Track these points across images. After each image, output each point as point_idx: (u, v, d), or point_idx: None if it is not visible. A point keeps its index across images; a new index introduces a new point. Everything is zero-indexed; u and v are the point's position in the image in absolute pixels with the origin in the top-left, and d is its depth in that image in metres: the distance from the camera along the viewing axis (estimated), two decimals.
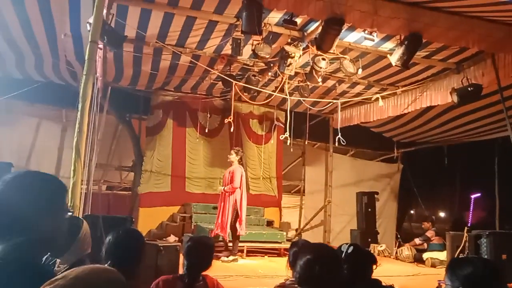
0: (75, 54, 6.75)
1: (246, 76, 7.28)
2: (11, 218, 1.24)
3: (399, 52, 5.66)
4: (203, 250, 2.59)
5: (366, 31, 5.57)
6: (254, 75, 7.17)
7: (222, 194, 6.91)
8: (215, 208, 8.36)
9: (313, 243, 2.28)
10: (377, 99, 7.72)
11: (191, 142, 9.01)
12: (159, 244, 4.70)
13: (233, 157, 6.95)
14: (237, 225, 6.77)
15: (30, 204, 1.27)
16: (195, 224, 8.02)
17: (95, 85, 5.55)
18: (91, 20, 4.28)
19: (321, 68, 6.29)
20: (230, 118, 6.60)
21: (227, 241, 6.80)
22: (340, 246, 2.48)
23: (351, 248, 2.42)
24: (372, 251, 8.03)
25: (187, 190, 8.81)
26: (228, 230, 6.74)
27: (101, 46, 5.38)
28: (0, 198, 1.26)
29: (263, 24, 5.46)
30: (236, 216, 6.79)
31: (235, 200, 6.81)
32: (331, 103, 8.18)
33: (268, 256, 7.53)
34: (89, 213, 5.16)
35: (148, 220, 8.30)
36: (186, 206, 8.65)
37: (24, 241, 1.23)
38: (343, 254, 2.38)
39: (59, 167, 8.56)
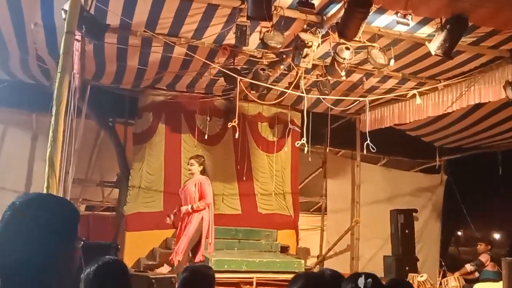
0: (47, 48, 6.83)
1: (253, 70, 7.30)
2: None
3: (439, 38, 5.65)
4: (202, 283, 2.61)
5: (398, 14, 5.56)
6: (263, 69, 7.19)
7: (185, 214, 6.79)
8: (219, 231, 8.38)
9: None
10: (413, 96, 7.69)
11: (188, 151, 9.03)
12: (151, 276, 4.72)
13: (195, 168, 6.89)
14: (199, 250, 6.67)
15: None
16: None
17: (72, 84, 5.62)
18: (66, 6, 4.35)
19: (344, 59, 6.29)
20: (235, 122, 6.63)
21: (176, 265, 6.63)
22: (354, 278, 2.37)
23: (370, 281, 2.30)
24: (411, 283, 7.96)
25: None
26: (184, 255, 6.60)
27: (78, 37, 5.45)
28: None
29: (273, 8, 5.49)
30: (199, 241, 6.68)
31: (202, 219, 6.69)
32: (358, 102, 8.17)
33: None
34: None
35: (136, 247, 8.32)
36: None
37: None
38: None
39: (30, 183, 8.63)
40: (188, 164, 7.11)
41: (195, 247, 6.70)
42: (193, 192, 6.82)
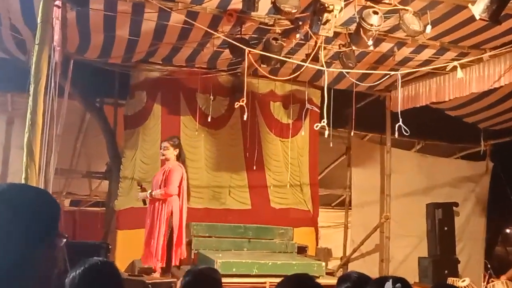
0: (23, 16, 6.84)
1: (264, 40, 7.26)
2: None
3: (484, 0, 5.57)
4: (207, 287, 2.62)
5: None
6: (275, 39, 7.15)
7: (150, 206, 6.85)
8: (225, 228, 8.42)
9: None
10: (454, 68, 7.62)
11: (188, 136, 9.05)
12: (147, 281, 4.77)
13: (170, 152, 6.97)
14: (173, 251, 6.71)
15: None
16: (195, 252, 8.08)
17: (52, 58, 5.63)
18: None
19: (372, 25, 6.23)
20: (243, 101, 6.61)
21: (160, 274, 6.68)
22: (379, 283, 2.38)
23: (399, 286, 2.29)
24: None
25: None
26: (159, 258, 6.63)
27: (58, 3, 5.45)
28: None
29: None
30: (171, 238, 6.72)
31: (170, 213, 6.73)
32: (388, 76, 8.11)
33: None
34: None
35: (130, 248, 8.36)
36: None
37: None
38: None
39: (5, 173, 8.72)
40: (161, 149, 7.14)
41: (167, 249, 6.76)
42: (160, 181, 6.89)
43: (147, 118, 8.99)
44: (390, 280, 2.31)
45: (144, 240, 6.93)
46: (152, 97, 9.03)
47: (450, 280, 8.46)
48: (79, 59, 8.03)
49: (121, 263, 7.69)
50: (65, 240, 1.47)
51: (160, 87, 9.07)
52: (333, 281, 8.19)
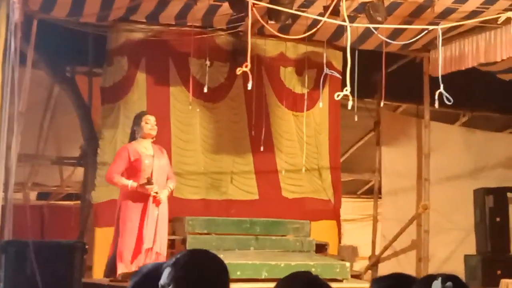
0: None
1: None
2: None
3: None
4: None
5: None
6: None
7: (144, 202, 6.96)
8: (228, 223, 8.47)
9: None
10: (508, 21, 7.58)
11: (180, 111, 9.06)
12: None
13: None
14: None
15: None
16: None
17: (11, 17, 5.63)
18: None
19: None
20: (246, 66, 6.60)
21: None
22: (426, 282, 2.43)
23: (450, 285, 2.37)
24: None
25: (176, 195, 8.91)
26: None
27: None
28: None
29: None
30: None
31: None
32: (426, 32, 8.07)
33: None
34: (11, 239, 5.31)
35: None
36: (175, 222, 8.75)
37: None
38: None
39: None
40: (145, 122, 7.16)
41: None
42: (166, 168, 7.16)
43: (129, 90, 8.96)
44: (439, 279, 2.33)
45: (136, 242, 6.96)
46: (135, 64, 8.99)
47: (503, 283, 8.51)
48: (44, 18, 8.00)
49: (100, 266, 7.75)
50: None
51: (144, 52, 9.03)
52: (360, 285, 8.28)
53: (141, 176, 6.90)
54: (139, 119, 7.16)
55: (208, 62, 8.80)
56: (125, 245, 6.81)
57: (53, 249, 4.41)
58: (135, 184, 6.80)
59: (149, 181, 6.90)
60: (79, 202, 9.35)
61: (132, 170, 6.96)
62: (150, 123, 7.12)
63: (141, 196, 6.89)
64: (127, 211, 6.93)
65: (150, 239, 6.87)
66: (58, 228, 8.76)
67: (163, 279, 2.13)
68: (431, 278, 2.41)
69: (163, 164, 7.13)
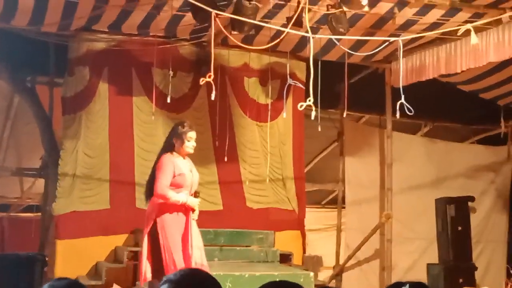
0: None
1: (235, 0, 7.25)
2: None
3: None
4: None
5: None
6: None
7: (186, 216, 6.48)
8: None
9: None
10: (467, 33, 7.69)
11: (143, 121, 9.02)
12: None
13: None
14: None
15: None
16: None
17: None
18: None
19: None
20: (210, 77, 6.59)
21: None
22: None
23: None
24: None
25: (139, 206, 8.86)
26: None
27: None
28: None
29: None
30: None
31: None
32: (387, 44, 8.16)
33: None
34: None
35: (72, 261, 8.34)
36: (138, 233, 8.70)
37: None
38: None
39: None
40: (188, 140, 6.41)
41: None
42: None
43: (91, 100, 8.91)
44: (407, 285, 2.38)
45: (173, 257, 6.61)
46: (97, 73, 8.96)
47: None
48: (4, 27, 7.97)
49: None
50: None
51: (107, 61, 9.00)
52: None
53: (182, 192, 6.47)
54: (183, 135, 6.40)
55: (171, 72, 8.81)
56: (176, 261, 6.45)
57: (13, 262, 4.35)
58: (185, 199, 6.30)
59: (197, 195, 6.55)
60: (39, 214, 9.24)
61: (174, 185, 6.54)
62: (191, 142, 6.46)
63: (183, 210, 6.54)
64: (172, 226, 6.47)
65: (198, 253, 6.56)
66: (18, 240, 8.65)
67: None
68: (399, 285, 2.48)
69: (196, 179, 6.76)
